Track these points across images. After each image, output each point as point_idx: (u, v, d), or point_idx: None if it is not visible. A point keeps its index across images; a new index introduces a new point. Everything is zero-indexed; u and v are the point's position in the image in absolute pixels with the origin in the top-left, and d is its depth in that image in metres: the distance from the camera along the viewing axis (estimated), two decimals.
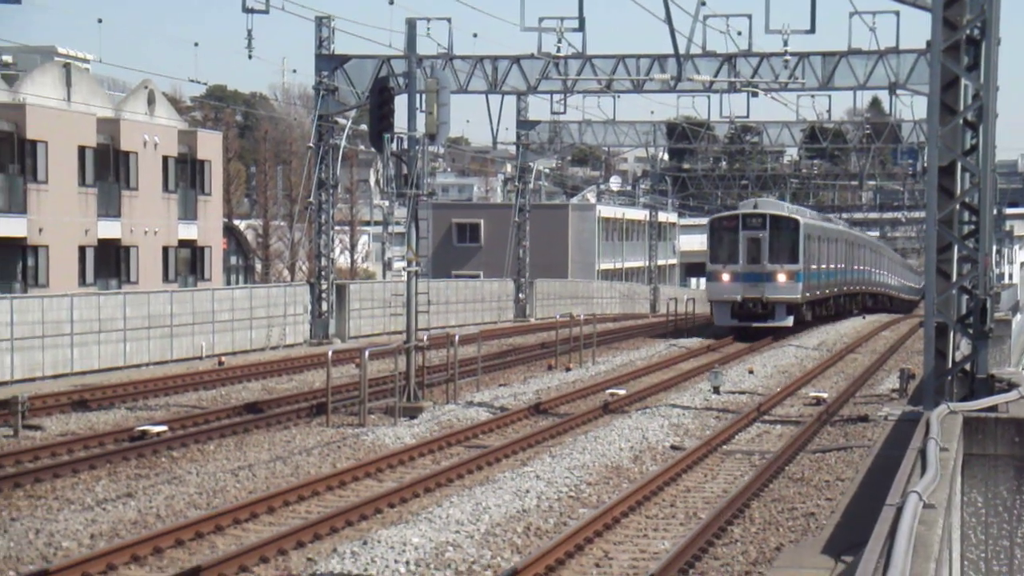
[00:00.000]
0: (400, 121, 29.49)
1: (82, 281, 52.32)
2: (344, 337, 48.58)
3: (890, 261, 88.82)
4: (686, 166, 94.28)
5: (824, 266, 56.14)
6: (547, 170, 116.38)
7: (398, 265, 70.39)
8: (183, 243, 60.54)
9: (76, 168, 52.54)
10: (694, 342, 48.07)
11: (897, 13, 42.37)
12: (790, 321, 50.36)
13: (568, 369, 37.81)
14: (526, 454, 23.96)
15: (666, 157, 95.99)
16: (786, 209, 53.03)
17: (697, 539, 16.86)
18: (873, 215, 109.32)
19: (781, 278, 49.87)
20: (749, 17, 42.42)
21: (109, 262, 55.36)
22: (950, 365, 20.73)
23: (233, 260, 77.35)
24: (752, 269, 49.82)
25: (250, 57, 41.69)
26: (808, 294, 51.89)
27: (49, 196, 50.91)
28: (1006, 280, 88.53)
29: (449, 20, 43.95)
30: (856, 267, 68.84)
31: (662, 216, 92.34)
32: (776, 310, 50.09)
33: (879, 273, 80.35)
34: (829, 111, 58.37)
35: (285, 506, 19.22)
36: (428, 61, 40.90)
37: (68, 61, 58.53)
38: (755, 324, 49.91)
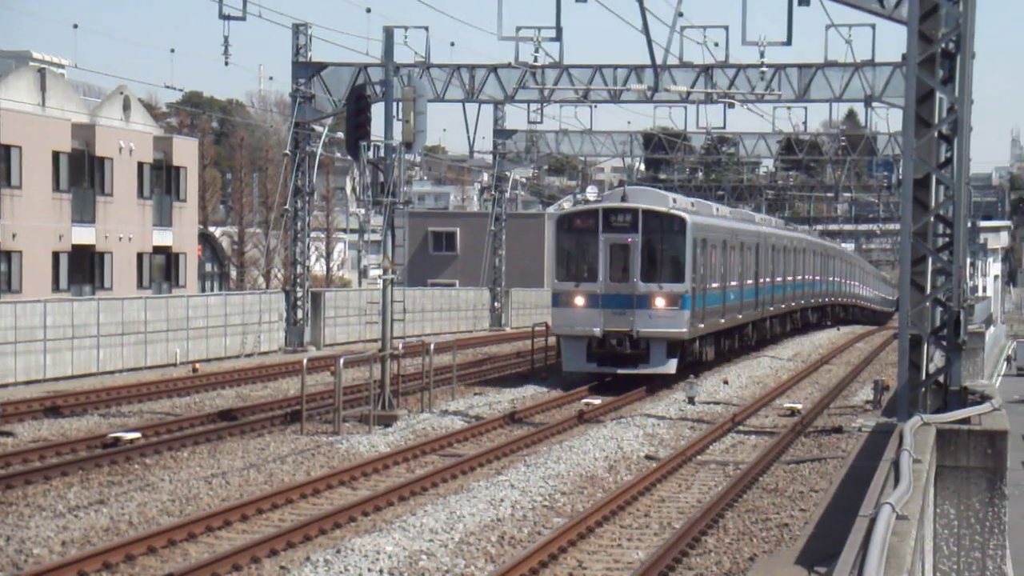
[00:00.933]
0: (377, 129, 29.49)
1: (56, 287, 52.09)
2: (319, 345, 48.48)
3: (861, 271, 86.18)
4: (662, 176, 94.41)
5: (740, 282, 43.13)
6: (524, 179, 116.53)
7: (374, 273, 70.42)
8: (158, 249, 60.35)
9: (50, 173, 52.31)
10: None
11: (873, 26, 42.58)
12: (671, 366, 35.19)
13: (544, 378, 37.80)
14: (501, 463, 23.94)
15: (642, 167, 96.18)
16: (671, 203, 36.89)
17: (671, 549, 16.87)
18: (848, 227, 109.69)
19: (659, 303, 34.83)
20: (726, 28, 42.49)
21: (83, 268, 55.13)
22: (924, 377, 20.80)
23: (208, 267, 77.14)
24: (617, 290, 34.89)
25: (226, 64, 41.70)
26: (702, 324, 37.28)
27: (23, 201, 50.68)
28: (980, 293, 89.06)
29: (427, 29, 44.02)
30: (818, 278, 62.40)
31: None
32: (652, 350, 35.02)
33: (849, 284, 77.08)
34: (805, 123, 58.58)
35: (258, 514, 19.15)
36: (405, 69, 40.89)
37: (43, 66, 58.30)
38: (621, 370, 35.11)
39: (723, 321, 40.40)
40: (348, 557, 15.86)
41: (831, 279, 68.12)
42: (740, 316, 43.37)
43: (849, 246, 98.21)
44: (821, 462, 24.27)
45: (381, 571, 15.55)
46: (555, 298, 35.82)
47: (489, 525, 18.28)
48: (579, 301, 34.99)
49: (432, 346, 32.45)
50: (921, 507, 12.61)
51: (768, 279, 48.57)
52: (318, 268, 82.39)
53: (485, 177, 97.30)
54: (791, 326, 55.97)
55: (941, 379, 20.80)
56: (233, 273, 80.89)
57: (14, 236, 50.09)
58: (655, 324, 34.84)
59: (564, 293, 35.43)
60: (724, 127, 56.28)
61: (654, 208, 35.68)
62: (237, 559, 16.18)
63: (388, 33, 30.77)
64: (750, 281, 45.18)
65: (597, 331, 34.83)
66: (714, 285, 38.92)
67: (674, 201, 37.43)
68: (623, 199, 36.05)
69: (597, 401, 32.09)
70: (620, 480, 22.33)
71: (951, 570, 16.78)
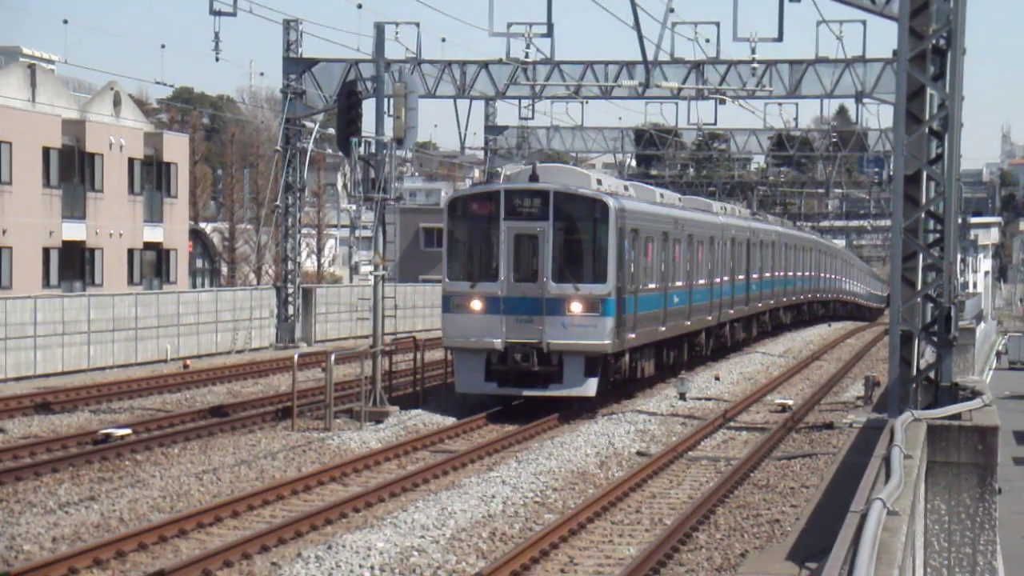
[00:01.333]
0: (368, 125, 29.43)
1: (46, 283, 51.97)
2: (310, 341, 48.45)
3: (845, 264, 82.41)
4: (654, 172, 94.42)
5: (688, 282, 37.18)
6: None
7: (365, 269, 70.33)
8: (148, 246, 60.24)
9: (40, 169, 52.18)
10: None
11: (864, 22, 42.65)
12: (590, 387, 28.85)
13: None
14: (492, 459, 23.94)
15: (634, 163, 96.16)
16: (593, 184, 30.78)
17: (662, 545, 16.88)
18: (839, 223, 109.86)
19: (575, 308, 28.71)
20: (717, 25, 42.51)
21: (73, 264, 55.01)
22: (915, 373, 20.83)
23: (199, 263, 77.04)
24: (524, 292, 28.75)
25: (217, 59, 41.65)
26: (633, 334, 30.87)
27: (13, 197, 50.56)
28: (970, 289, 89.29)
29: (418, 25, 43.99)
30: (794, 274, 58.07)
31: None
32: (567, 367, 28.72)
33: (832, 279, 73.79)
34: (796, 119, 58.79)
35: (250, 510, 19.13)
36: (396, 65, 40.80)
37: (33, 62, 58.18)
38: (528, 392, 28.98)
39: (664, 329, 34.14)
40: (339, 553, 15.85)
41: (809, 274, 63.95)
42: (688, 323, 37.20)
43: (840, 242, 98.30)
44: (812, 458, 24.31)
45: (372, 567, 15.55)
46: (446, 302, 29.29)
47: (480, 521, 18.28)
48: (475, 306, 28.72)
49: (424, 342, 32.43)
50: (912, 503, 12.62)
51: (727, 277, 43.18)
52: (309, 264, 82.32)
53: (476, 173, 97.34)
54: (758, 330, 50.82)
55: (932, 375, 20.83)
56: (224, 269, 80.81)
57: (4, 232, 49.98)
58: (570, 335, 28.58)
59: (457, 296, 28.99)
60: (715, 123, 56.41)
61: (569, 190, 29.19)
62: (228, 555, 16.17)
63: (379, 29, 30.74)
64: (703, 280, 39.33)
65: (498, 343, 28.50)
66: (651, 286, 32.90)
67: (599, 182, 31.45)
68: (531, 178, 29.44)
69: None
70: (611, 476, 22.35)
71: (942, 565, 16.81)
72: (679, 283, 36.18)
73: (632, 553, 16.88)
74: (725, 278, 42.78)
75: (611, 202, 29.38)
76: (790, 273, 57.12)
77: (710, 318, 40.45)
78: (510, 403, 29.79)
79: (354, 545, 16.20)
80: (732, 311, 43.93)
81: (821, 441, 26.52)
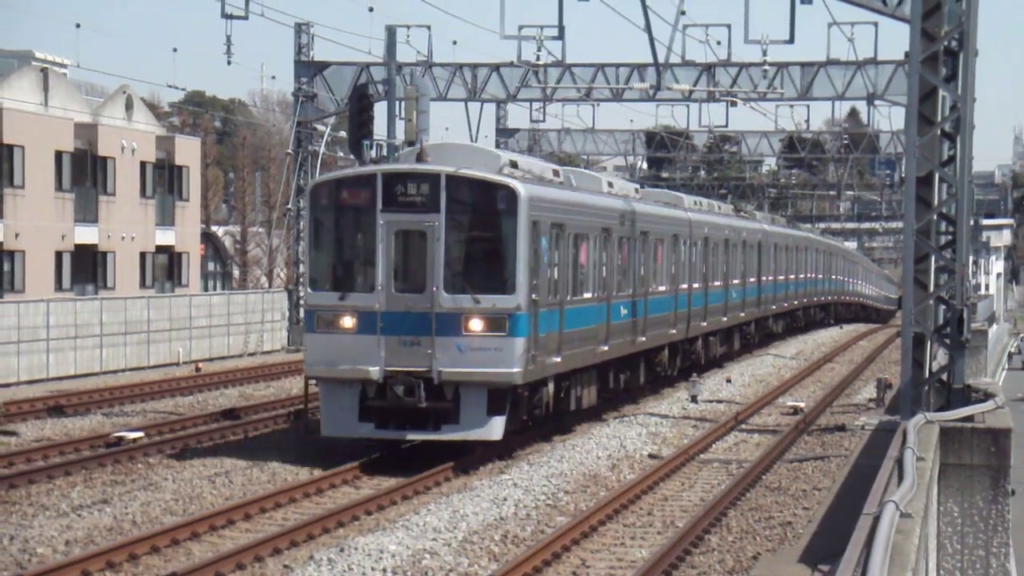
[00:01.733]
0: (379, 128, 29.51)
1: (59, 286, 52.11)
2: None
3: (847, 262, 75.96)
4: (665, 175, 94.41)
5: (636, 291, 30.72)
6: None
7: None
8: (160, 249, 60.36)
9: (53, 173, 52.32)
10: None
11: (876, 24, 42.73)
12: (495, 428, 22.71)
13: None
14: (504, 462, 23.92)
15: (645, 166, 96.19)
16: (500, 167, 24.10)
17: (674, 548, 16.87)
18: (851, 225, 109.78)
19: (475, 326, 22.70)
20: (728, 27, 42.53)
21: (86, 267, 55.14)
22: (927, 375, 20.81)
23: (211, 266, 77.18)
24: (408, 305, 22.72)
25: (229, 63, 41.78)
26: (557, 358, 24.67)
27: (26, 201, 50.69)
28: (983, 291, 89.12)
29: (429, 28, 44.04)
30: (785, 278, 52.45)
31: None
32: (464, 403, 22.64)
33: (836, 280, 69.02)
34: (808, 121, 58.88)
35: (262, 513, 19.16)
36: (407, 68, 40.91)
37: (45, 66, 58.30)
38: (413, 435, 23.00)
39: (606, 349, 28.02)
40: (352, 556, 15.86)
41: (805, 277, 58.17)
42: (643, 338, 31.20)
43: (852, 244, 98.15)
44: (824, 460, 24.28)
45: (384, 570, 15.56)
46: (309, 318, 23.28)
47: (492, 524, 18.29)
48: (346, 323, 22.62)
49: None
50: (925, 505, 12.61)
51: (699, 284, 37.19)
52: None
53: None
54: (742, 343, 44.92)
55: (944, 377, 20.80)
56: (236, 272, 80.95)
57: (17, 236, 50.11)
58: (469, 361, 22.39)
59: (323, 311, 22.86)
60: (726, 125, 56.45)
61: (467, 173, 22.82)
62: (241, 558, 16.19)
63: (390, 32, 30.83)
64: (664, 287, 33.36)
65: (375, 372, 22.34)
66: (586, 296, 26.90)
67: (513, 164, 24.64)
68: (419, 158, 23.40)
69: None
70: (623, 479, 22.33)
71: (955, 568, 16.79)
72: (627, 291, 29.96)
73: (644, 556, 16.87)
74: (696, 284, 36.84)
75: (521, 189, 22.90)
76: (781, 277, 51.64)
77: (674, 331, 34.33)
78: (400, 445, 23.69)
79: (366, 548, 16.22)
80: (705, 323, 37.95)
81: (833, 443, 26.49)
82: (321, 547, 16.99)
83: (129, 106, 61.00)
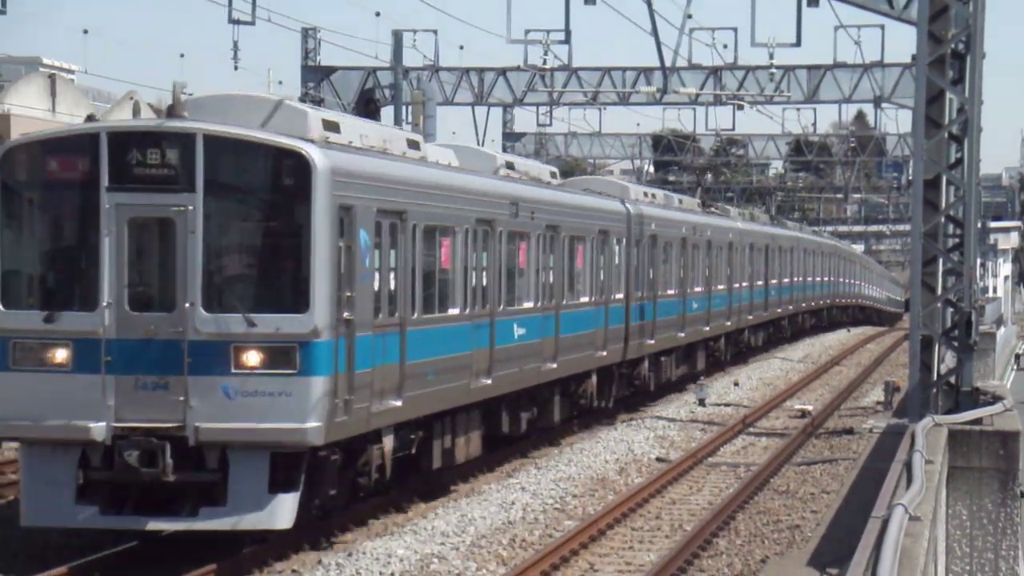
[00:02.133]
0: None
1: None
2: None
3: (843, 262, 69.81)
4: (672, 178, 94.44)
5: (542, 302, 24.03)
6: None
7: None
8: None
9: None
10: None
11: (882, 27, 42.59)
12: (282, 513, 15.36)
13: None
14: (511, 465, 23.92)
15: (652, 169, 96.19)
16: (300, 126, 16.28)
17: (682, 551, 16.86)
18: (858, 228, 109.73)
19: (250, 358, 15.38)
20: (735, 30, 42.46)
21: None
22: (935, 378, 20.80)
23: None
24: (148, 328, 15.47)
25: (236, 68, 41.63)
26: (396, 400, 17.60)
27: None
28: (990, 293, 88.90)
29: (435, 32, 43.94)
30: (764, 284, 45.90)
31: None
32: (232, 472, 15.27)
33: (831, 282, 63.93)
34: (814, 124, 58.91)
35: None
36: (414, 73, 40.92)
37: (53, 72, 58.38)
38: (155, 524, 15.35)
39: (488, 383, 21.22)
40: (360, 560, 15.87)
41: (792, 281, 52.27)
42: (553, 365, 24.42)
43: (859, 247, 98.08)
44: (832, 463, 24.26)
45: (393, 574, 15.56)
46: (1, 348, 15.69)
47: (500, 528, 18.28)
48: (56, 356, 15.59)
49: None
50: (934, 508, 12.60)
51: (643, 292, 30.67)
52: None
53: None
54: (708, 360, 38.24)
55: (952, 380, 20.79)
56: None
57: None
58: (241, 412, 15.38)
59: (20, 338, 15.67)
60: (733, 129, 56.44)
61: (235, 133, 15.76)
62: (248, 563, 16.16)
63: (397, 37, 30.88)
64: (585, 298, 26.70)
65: (98, 430, 15.30)
66: (453, 312, 20.04)
67: (329, 127, 17.00)
68: (171, 113, 16.18)
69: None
70: (631, 482, 22.33)
71: (964, 571, 16.78)
72: (526, 304, 23.28)
73: (652, 559, 16.86)
74: (640, 293, 30.36)
75: (318, 158, 15.64)
76: (759, 282, 45.21)
77: (604, 353, 27.59)
78: (149, 537, 16.07)
79: (374, 552, 16.22)
80: (652, 340, 31.30)
81: (841, 446, 26.47)
82: (329, 552, 16.97)
83: (136, 112, 60.96)
